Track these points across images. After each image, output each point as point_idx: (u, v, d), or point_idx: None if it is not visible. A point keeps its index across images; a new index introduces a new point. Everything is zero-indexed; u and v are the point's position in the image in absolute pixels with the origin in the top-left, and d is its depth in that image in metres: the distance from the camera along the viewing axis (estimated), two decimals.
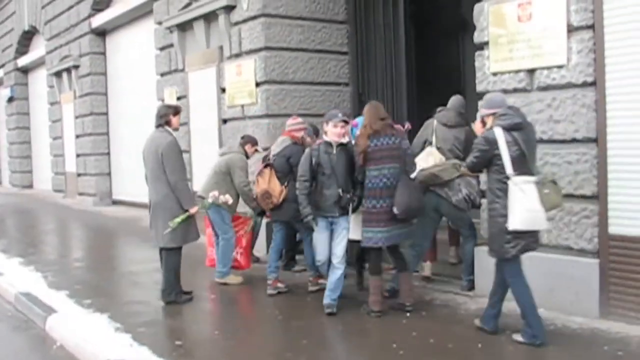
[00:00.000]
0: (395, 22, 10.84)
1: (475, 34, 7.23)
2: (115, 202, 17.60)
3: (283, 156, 7.87)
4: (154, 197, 7.37)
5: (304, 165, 6.87)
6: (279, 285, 7.75)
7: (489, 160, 5.60)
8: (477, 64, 7.22)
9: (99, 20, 17.45)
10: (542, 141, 6.59)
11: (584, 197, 6.30)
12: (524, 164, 5.48)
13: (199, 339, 6.24)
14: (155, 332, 6.43)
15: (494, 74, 7.01)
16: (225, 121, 11.27)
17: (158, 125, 7.37)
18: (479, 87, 7.17)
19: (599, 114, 6.18)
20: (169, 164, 7.18)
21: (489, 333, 5.84)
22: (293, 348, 5.81)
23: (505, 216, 5.47)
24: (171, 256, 7.35)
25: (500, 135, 5.50)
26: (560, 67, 6.37)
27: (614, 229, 6.16)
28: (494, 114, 5.72)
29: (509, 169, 5.45)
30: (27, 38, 23.92)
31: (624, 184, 6.08)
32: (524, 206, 5.39)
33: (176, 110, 7.46)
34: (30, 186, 24.47)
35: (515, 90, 6.81)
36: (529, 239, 5.59)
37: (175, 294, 7.37)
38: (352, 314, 6.72)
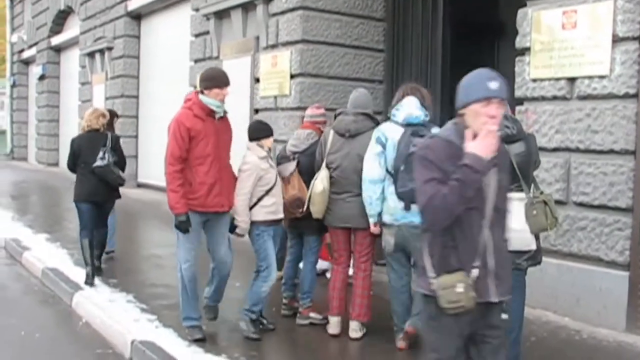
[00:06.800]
0: (433, 23, 10.77)
1: (517, 39, 7.19)
2: (140, 185, 17.66)
3: (311, 154, 6.45)
4: None
5: None
6: (312, 315, 6.45)
7: None
8: (517, 69, 7.19)
9: (135, 3, 17.51)
10: (578, 150, 6.57)
11: (618, 209, 6.26)
12: (514, 180, 4.93)
13: (223, 325, 6.26)
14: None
15: (534, 80, 6.98)
16: (257, 111, 11.31)
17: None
18: (518, 93, 7.15)
19: (639, 127, 6.14)
20: None
21: None
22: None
23: None
24: None
25: None
26: (602, 77, 6.33)
27: None
28: None
29: None
30: (61, 17, 24.09)
31: None
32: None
33: None
34: (56, 164, 24.63)
35: (555, 98, 6.78)
36: (514, 257, 4.88)
37: None
38: None
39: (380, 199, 5.70)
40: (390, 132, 5.66)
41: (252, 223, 5.96)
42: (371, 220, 5.80)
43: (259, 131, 6.21)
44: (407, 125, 5.59)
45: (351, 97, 6.31)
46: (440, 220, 3.24)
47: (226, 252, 5.98)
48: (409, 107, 5.69)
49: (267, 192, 5.97)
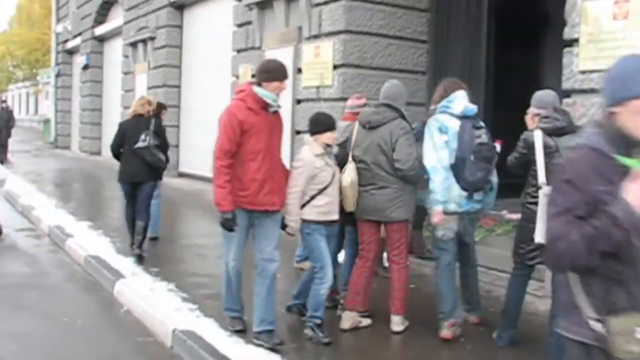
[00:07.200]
0: (477, 14, 10.62)
1: (566, 29, 7.04)
2: (181, 175, 17.74)
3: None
4: None
5: None
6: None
7: (527, 164, 5.29)
8: (564, 60, 7.04)
9: None
10: None
11: None
12: None
13: None
14: (221, 305, 6.43)
15: (582, 72, 6.82)
16: (299, 101, 11.28)
17: None
18: (566, 85, 7.00)
19: None
20: None
21: None
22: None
23: (534, 224, 4.98)
24: None
25: (538, 139, 5.13)
26: None
27: None
28: (539, 114, 5.35)
29: (541, 177, 5.04)
30: (105, 8, 24.32)
31: None
32: None
33: None
34: (99, 153, 24.88)
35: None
36: None
37: None
38: None
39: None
40: (449, 122, 5.72)
41: (303, 221, 5.64)
42: (439, 208, 5.72)
43: (315, 125, 5.77)
44: (464, 117, 5.71)
45: (382, 88, 6.20)
46: (564, 268, 2.66)
47: (273, 251, 5.60)
48: (464, 100, 5.81)
49: (321, 191, 5.61)
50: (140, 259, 8.20)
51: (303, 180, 5.56)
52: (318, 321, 5.69)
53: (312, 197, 5.62)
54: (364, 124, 6.00)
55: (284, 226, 5.68)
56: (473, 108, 5.81)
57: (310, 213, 5.63)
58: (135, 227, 8.49)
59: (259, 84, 5.43)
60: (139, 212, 8.54)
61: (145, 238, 8.67)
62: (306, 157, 5.64)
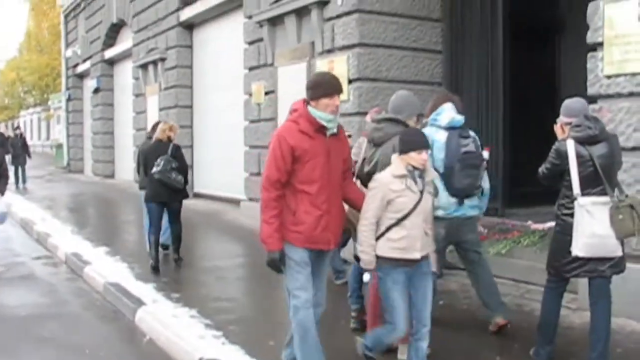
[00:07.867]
0: (492, 21, 10.46)
1: (589, 34, 6.86)
2: (196, 195, 17.61)
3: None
4: None
5: None
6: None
7: (559, 175, 5.09)
8: (589, 65, 6.86)
9: (187, 13, 17.49)
10: None
11: None
12: (596, 183, 4.91)
13: None
14: (246, 330, 6.28)
15: (608, 77, 6.64)
16: None
17: None
18: (591, 91, 6.82)
19: None
20: None
21: None
22: None
23: (570, 235, 4.95)
24: None
25: (571, 149, 4.97)
26: None
27: None
28: (570, 123, 5.16)
29: (576, 188, 4.92)
30: (114, 31, 24.32)
31: None
32: (588, 231, 4.87)
33: None
34: (112, 176, 24.84)
35: (631, 95, 6.45)
36: (597, 265, 4.98)
37: None
38: None
39: None
40: (436, 135, 5.93)
41: (377, 257, 4.75)
42: None
43: (402, 142, 4.81)
44: (451, 128, 5.99)
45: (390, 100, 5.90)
46: None
47: (322, 296, 4.93)
48: (450, 112, 6.07)
49: (399, 221, 4.67)
50: (179, 260, 9.44)
51: (376, 204, 4.70)
52: (371, 353, 5.14)
53: (388, 229, 4.70)
54: (369, 140, 5.75)
55: (357, 258, 5.01)
56: (460, 119, 6.04)
57: (383, 247, 4.73)
58: (172, 234, 9.57)
59: (309, 103, 4.73)
60: (172, 224, 9.51)
61: (180, 242, 9.60)
62: (382, 178, 4.79)
